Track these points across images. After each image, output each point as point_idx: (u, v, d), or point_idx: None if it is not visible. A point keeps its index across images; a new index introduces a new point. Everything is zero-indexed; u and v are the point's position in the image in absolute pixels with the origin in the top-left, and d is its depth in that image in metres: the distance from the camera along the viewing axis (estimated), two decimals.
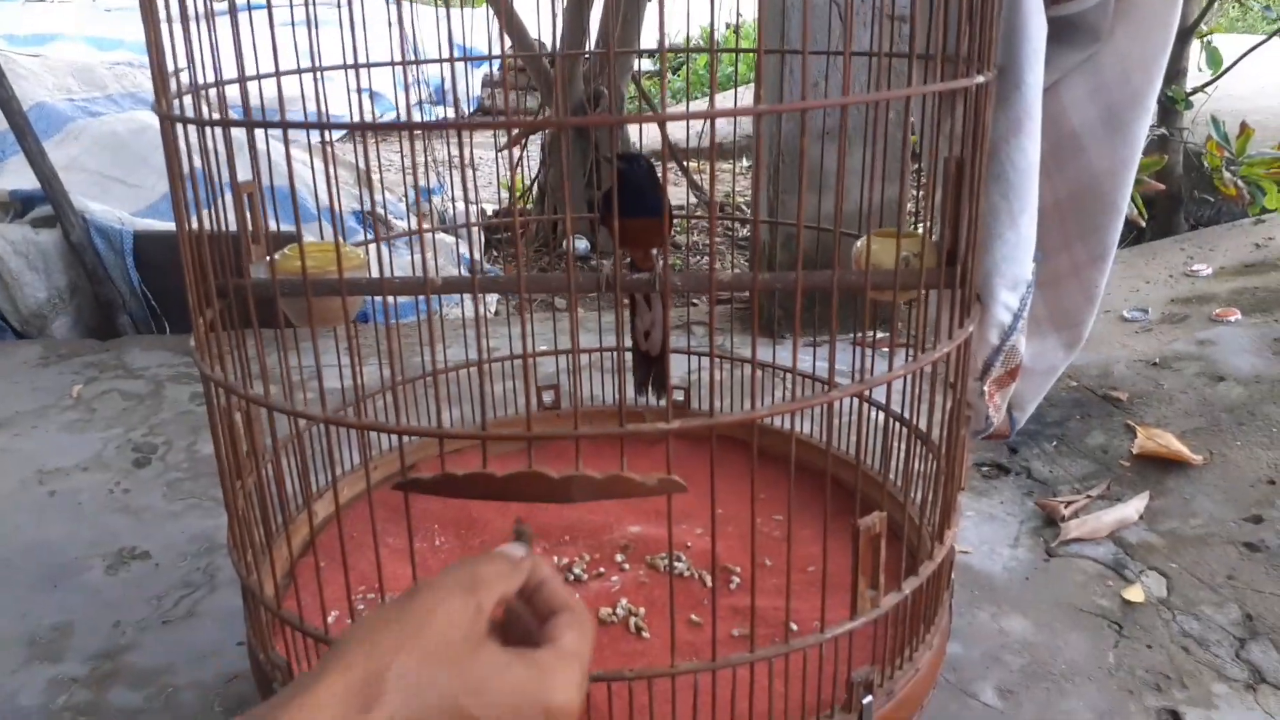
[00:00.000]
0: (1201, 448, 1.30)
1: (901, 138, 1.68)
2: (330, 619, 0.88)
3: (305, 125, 0.56)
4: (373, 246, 0.96)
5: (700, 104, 4.36)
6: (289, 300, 0.83)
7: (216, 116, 0.60)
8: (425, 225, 1.10)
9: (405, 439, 0.66)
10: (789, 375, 1.15)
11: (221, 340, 0.73)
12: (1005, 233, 0.75)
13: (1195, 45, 2.14)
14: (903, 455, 0.89)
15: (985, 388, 0.82)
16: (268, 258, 0.85)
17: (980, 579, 1.10)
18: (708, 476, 0.61)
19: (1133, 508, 1.19)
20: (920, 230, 0.85)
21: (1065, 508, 1.20)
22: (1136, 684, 0.94)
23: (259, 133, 0.63)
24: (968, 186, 0.71)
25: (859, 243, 0.89)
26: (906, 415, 0.93)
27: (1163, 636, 1.00)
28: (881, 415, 0.97)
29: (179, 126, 0.66)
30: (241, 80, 0.76)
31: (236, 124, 0.58)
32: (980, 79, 0.66)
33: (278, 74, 0.83)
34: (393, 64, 0.99)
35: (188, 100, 0.70)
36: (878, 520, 0.66)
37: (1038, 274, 0.81)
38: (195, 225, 0.70)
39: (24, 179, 2.05)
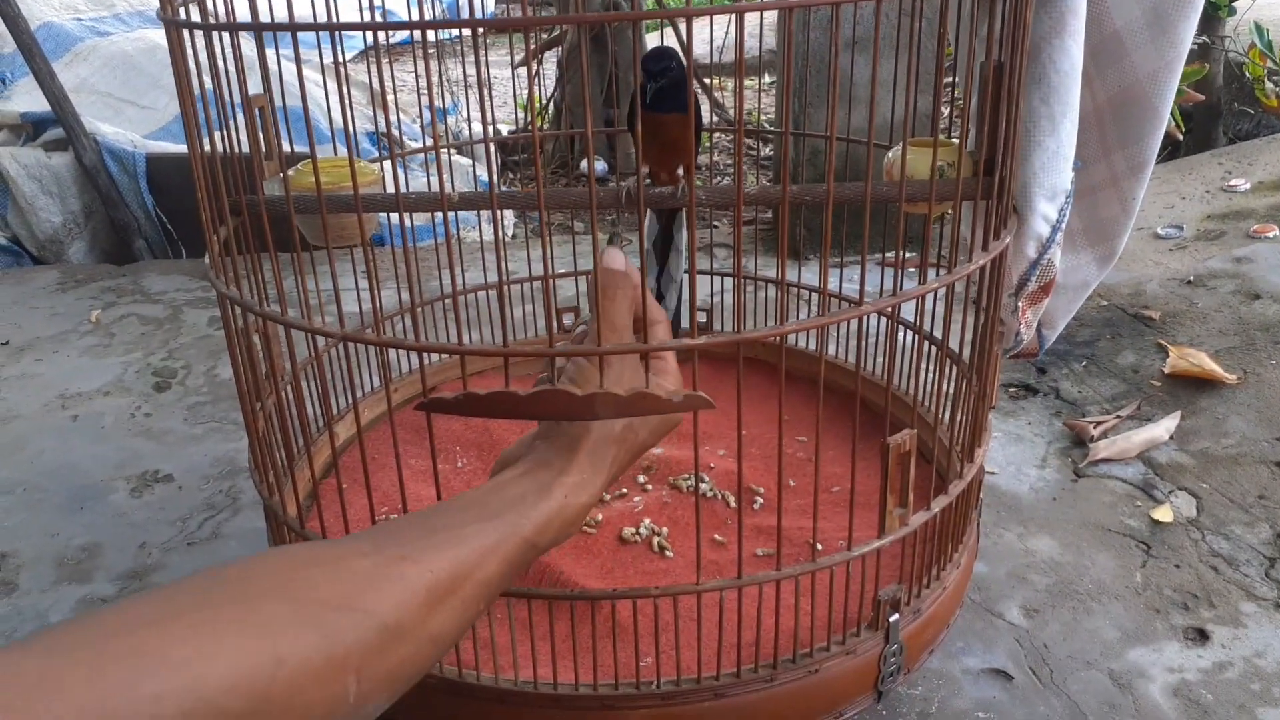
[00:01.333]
0: (1235, 367, 1.27)
1: (935, 47, 1.62)
2: None
3: (315, 27, 0.53)
4: (388, 165, 0.94)
5: (722, 16, 4.25)
6: (304, 218, 0.82)
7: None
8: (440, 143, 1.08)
9: (427, 358, 0.64)
10: (814, 297, 1.13)
11: (237, 261, 0.72)
12: (1045, 140, 0.72)
13: None
14: (933, 375, 0.87)
15: (1018, 304, 0.80)
16: (281, 174, 0.83)
17: (1007, 499, 1.09)
18: (730, 397, 0.60)
19: (1163, 428, 1.18)
20: (954, 140, 0.82)
21: (1094, 428, 1.19)
22: (1164, 603, 0.93)
23: (269, 52, 0.61)
24: (1007, 91, 0.68)
25: (891, 152, 0.86)
26: (936, 335, 0.91)
27: (1191, 556, 0.99)
28: (910, 336, 0.95)
29: (186, 33, 0.64)
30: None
31: (244, 28, 0.55)
32: None
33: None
34: None
35: (194, 10, 0.68)
36: (908, 438, 0.64)
37: (1076, 183, 0.78)
38: (206, 142, 0.68)
39: (34, 100, 2.02)
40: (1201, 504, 1.06)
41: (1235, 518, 1.04)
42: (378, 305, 0.65)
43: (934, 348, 0.92)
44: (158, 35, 2.34)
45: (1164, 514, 1.05)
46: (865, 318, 0.62)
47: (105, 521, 1.10)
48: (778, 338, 0.59)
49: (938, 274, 0.67)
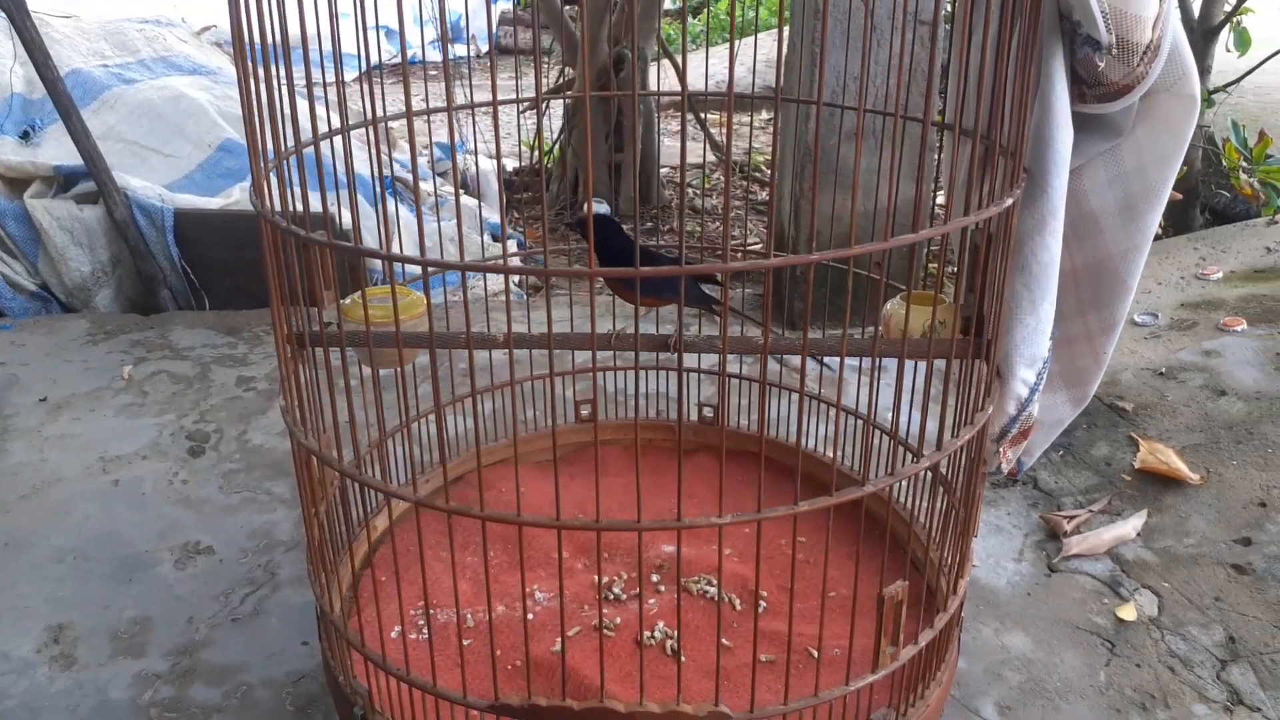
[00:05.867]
0: (1199, 465, 1.37)
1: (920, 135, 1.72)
2: (393, 634, 0.97)
3: (387, 256, 0.62)
4: (434, 292, 1.03)
5: (720, 49, 4.34)
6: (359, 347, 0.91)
7: (320, 236, 0.66)
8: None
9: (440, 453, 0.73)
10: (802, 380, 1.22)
11: (303, 394, 0.81)
12: (1026, 318, 0.82)
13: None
14: (922, 491, 0.97)
15: (999, 447, 0.90)
16: (337, 303, 0.93)
17: (985, 593, 1.18)
18: (749, 493, 0.69)
19: (1131, 525, 1.28)
20: (947, 298, 0.91)
21: (1068, 523, 1.28)
22: (1124, 703, 1.03)
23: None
24: (993, 277, 0.77)
25: (889, 305, 0.95)
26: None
27: (1151, 656, 1.09)
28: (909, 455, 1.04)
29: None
30: (317, 143, 0.82)
31: (335, 246, 0.64)
32: (1009, 201, 0.72)
33: (345, 129, 0.89)
34: (447, 109, 1.03)
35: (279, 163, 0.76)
36: (900, 589, 0.74)
37: (1055, 335, 0.88)
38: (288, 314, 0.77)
39: (63, 148, 2.10)
40: (1163, 603, 1.16)
41: (1192, 618, 1.14)
42: (446, 488, 0.73)
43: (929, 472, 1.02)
44: (181, 83, 2.41)
45: (1128, 612, 1.15)
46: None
47: (153, 593, 1.18)
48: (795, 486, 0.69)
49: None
